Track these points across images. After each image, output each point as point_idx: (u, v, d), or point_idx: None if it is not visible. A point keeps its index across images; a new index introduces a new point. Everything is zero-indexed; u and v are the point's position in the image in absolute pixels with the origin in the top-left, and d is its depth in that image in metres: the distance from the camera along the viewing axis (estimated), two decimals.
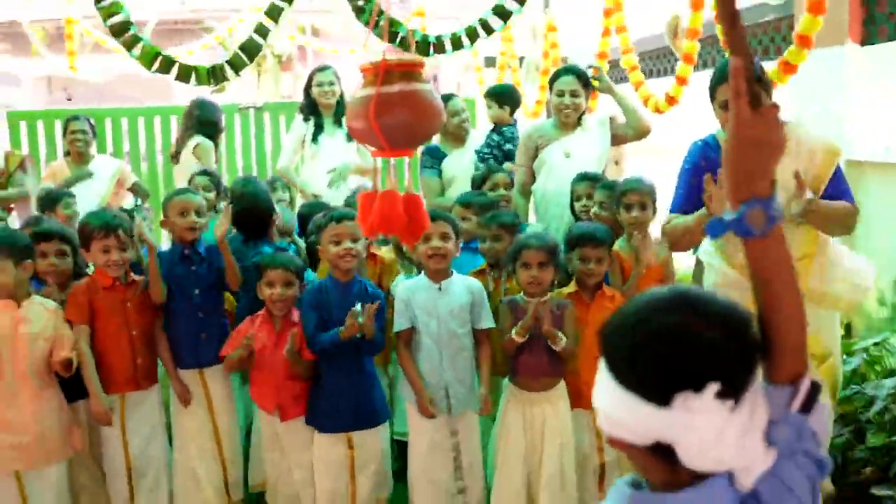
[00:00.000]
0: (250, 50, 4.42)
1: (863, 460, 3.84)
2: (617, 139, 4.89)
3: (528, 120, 7.06)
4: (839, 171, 3.41)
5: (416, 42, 4.28)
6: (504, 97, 5.72)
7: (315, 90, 5.70)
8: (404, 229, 2.58)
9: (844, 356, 4.17)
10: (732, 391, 1.26)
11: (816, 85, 5.01)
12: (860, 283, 3.55)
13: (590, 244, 3.57)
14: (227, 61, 4.45)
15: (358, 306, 3.34)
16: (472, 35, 4.54)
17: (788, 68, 4.44)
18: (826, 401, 2.87)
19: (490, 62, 8.28)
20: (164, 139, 8.00)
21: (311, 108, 5.77)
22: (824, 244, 3.45)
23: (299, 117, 5.91)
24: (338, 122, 5.66)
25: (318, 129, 5.74)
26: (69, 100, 18.26)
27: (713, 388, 1.25)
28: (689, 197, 3.49)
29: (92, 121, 6.25)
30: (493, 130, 5.65)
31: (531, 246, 3.46)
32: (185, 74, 4.35)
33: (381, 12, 3.99)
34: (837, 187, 3.39)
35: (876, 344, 4.33)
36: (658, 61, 7.56)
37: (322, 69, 5.78)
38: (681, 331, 1.29)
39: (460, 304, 3.54)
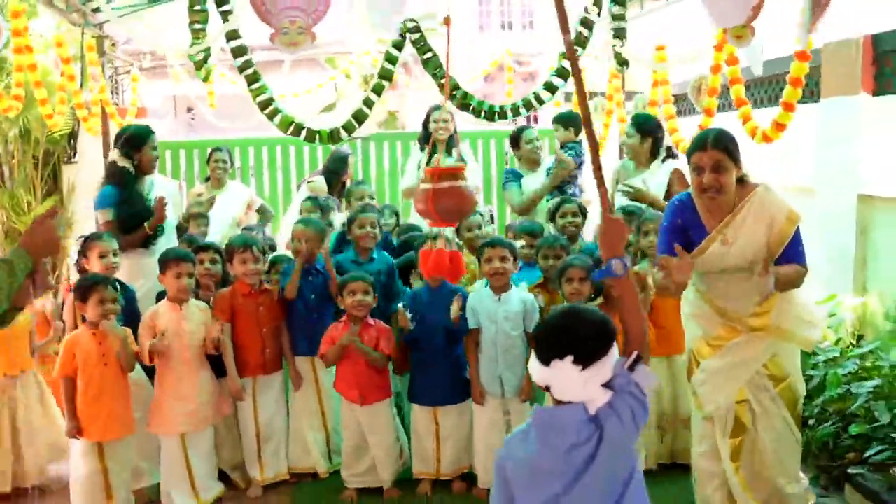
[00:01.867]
0: (360, 118, 5.45)
1: (847, 447, 4.54)
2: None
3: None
4: (797, 233, 3.68)
5: (483, 110, 5.28)
6: (569, 121, 6.65)
7: (432, 125, 6.39)
8: (449, 274, 3.65)
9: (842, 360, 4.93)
10: (582, 360, 2.34)
11: (834, 129, 5.77)
12: (812, 322, 3.86)
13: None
14: (342, 126, 5.49)
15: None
16: (528, 105, 5.56)
17: (788, 107, 5.30)
18: (701, 375, 3.87)
19: (568, 97, 9.17)
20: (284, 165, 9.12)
21: (426, 140, 6.49)
22: (790, 294, 3.76)
23: (415, 146, 6.81)
24: (448, 153, 6.26)
25: (431, 158, 6.36)
26: (193, 119, 19.72)
27: (569, 358, 2.34)
28: (669, 250, 3.68)
29: (230, 150, 7.40)
30: (561, 147, 6.49)
31: (574, 265, 4.35)
32: (310, 136, 5.43)
33: (457, 87, 5.06)
34: (794, 249, 3.68)
35: (871, 351, 5.07)
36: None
37: (438, 108, 6.40)
38: (558, 326, 2.42)
39: (514, 311, 4.43)
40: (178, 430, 4.45)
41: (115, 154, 5.36)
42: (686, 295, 3.98)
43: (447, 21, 3.91)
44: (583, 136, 6.53)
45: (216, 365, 4.66)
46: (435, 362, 4.54)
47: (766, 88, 6.99)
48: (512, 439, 2.55)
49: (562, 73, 5.73)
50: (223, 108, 10.54)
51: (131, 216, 5.21)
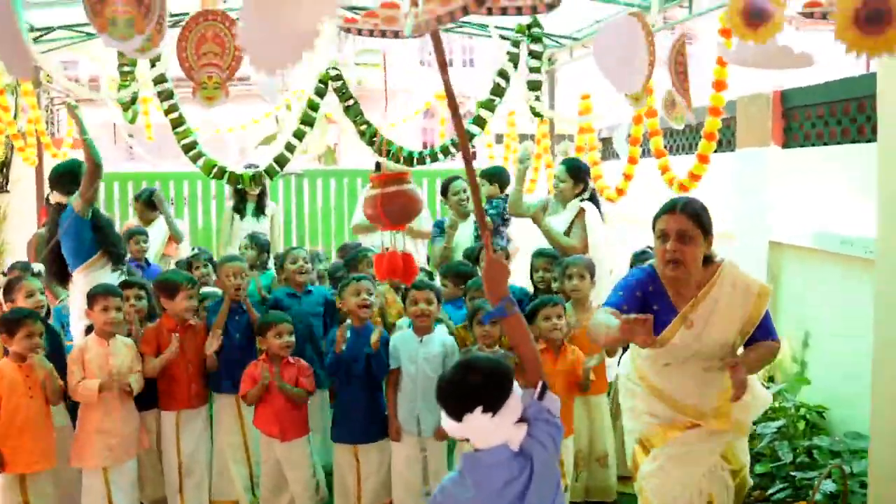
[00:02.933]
0: (281, 162, 5.58)
1: (752, 486, 4.73)
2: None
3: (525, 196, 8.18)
4: (767, 313, 3.49)
5: (402, 156, 5.45)
6: (493, 177, 6.90)
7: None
8: (402, 275, 3.79)
9: None
10: (490, 408, 2.48)
11: (746, 178, 6.05)
12: (766, 402, 3.78)
13: (549, 305, 4.51)
14: (264, 169, 5.60)
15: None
16: (445, 151, 5.76)
17: (702, 159, 5.65)
18: (652, 465, 3.52)
19: (499, 139, 9.40)
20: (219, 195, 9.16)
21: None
22: (751, 385, 3.44)
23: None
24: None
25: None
26: (132, 148, 19.56)
27: (478, 409, 2.47)
28: (620, 308, 3.39)
29: (159, 185, 7.45)
30: (486, 203, 6.70)
31: (484, 308, 4.39)
32: (233, 180, 5.53)
33: (383, 139, 5.25)
34: (766, 326, 3.48)
35: (779, 392, 5.24)
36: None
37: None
38: (459, 382, 2.54)
39: (435, 353, 4.54)
40: (101, 464, 4.47)
41: (53, 195, 5.30)
42: (631, 387, 3.73)
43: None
44: (508, 190, 6.75)
45: (137, 399, 4.68)
46: (356, 401, 4.63)
47: (686, 136, 7.26)
48: (447, 485, 2.65)
49: (478, 122, 5.88)
50: (162, 136, 10.55)
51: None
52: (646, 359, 3.62)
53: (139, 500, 4.77)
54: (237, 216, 7.39)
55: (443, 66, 2.65)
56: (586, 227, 5.77)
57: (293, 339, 4.66)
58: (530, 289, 5.46)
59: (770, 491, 4.61)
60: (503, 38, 6.12)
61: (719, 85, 5.44)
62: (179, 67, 4.16)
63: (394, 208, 3.78)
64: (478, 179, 6.74)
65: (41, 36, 7.70)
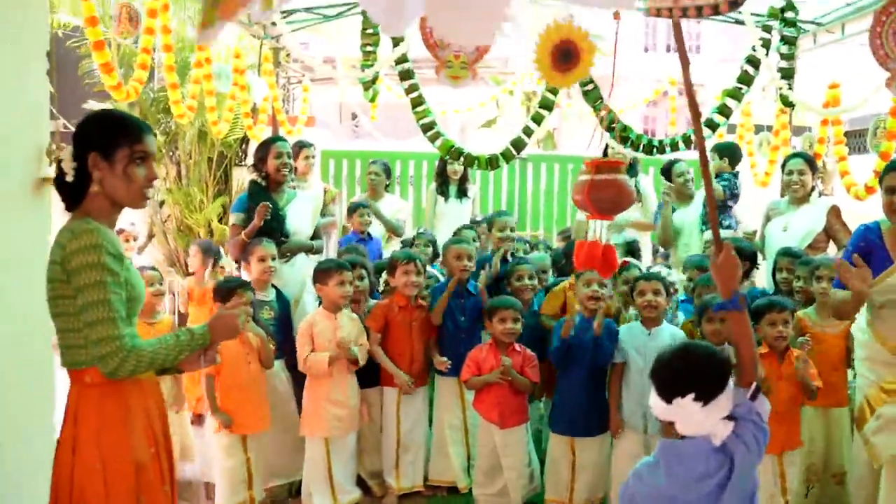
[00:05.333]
0: (519, 146, 5.54)
1: None
2: (828, 234, 5.59)
3: (758, 188, 7.80)
4: None
5: (642, 143, 5.28)
6: (724, 151, 6.65)
7: (610, 153, 6.18)
8: (601, 266, 3.70)
9: None
10: (703, 397, 2.44)
11: None
12: None
13: (776, 310, 4.25)
14: (501, 152, 5.59)
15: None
16: (687, 141, 5.52)
17: None
18: (876, 422, 3.82)
19: (732, 129, 8.99)
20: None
21: None
22: None
23: None
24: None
25: None
26: (357, 127, 20.35)
27: (690, 396, 2.45)
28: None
29: (387, 163, 7.63)
30: (715, 177, 6.49)
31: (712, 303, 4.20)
32: (469, 161, 5.56)
33: (622, 125, 5.09)
34: None
35: None
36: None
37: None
38: (676, 365, 2.53)
39: (665, 346, 4.39)
40: (327, 434, 4.62)
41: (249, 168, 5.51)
42: (861, 339, 4.02)
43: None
44: (745, 169, 6.46)
45: (360, 376, 4.81)
46: (577, 392, 4.52)
47: None
48: (640, 470, 2.64)
49: (723, 111, 5.63)
50: (386, 116, 10.83)
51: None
52: (868, 306, 3.88)
53: (357, 472, 4.89)
54: (441, 198, 7.49)
55: (684, 59, 2.56)
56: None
57: (518, 326, 4.60)
58: (771, 288, 5.18)
59: None
60: (758, 24, 5.77)
61: None
62: (424, 46, 4.16)
63: (602, 197, 3.62)
64: (708, 154, 6.65)
65: (284, 17, 8.04)
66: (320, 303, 4.90)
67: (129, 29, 6.31)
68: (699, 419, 2.47)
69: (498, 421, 4.60)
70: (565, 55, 3.07)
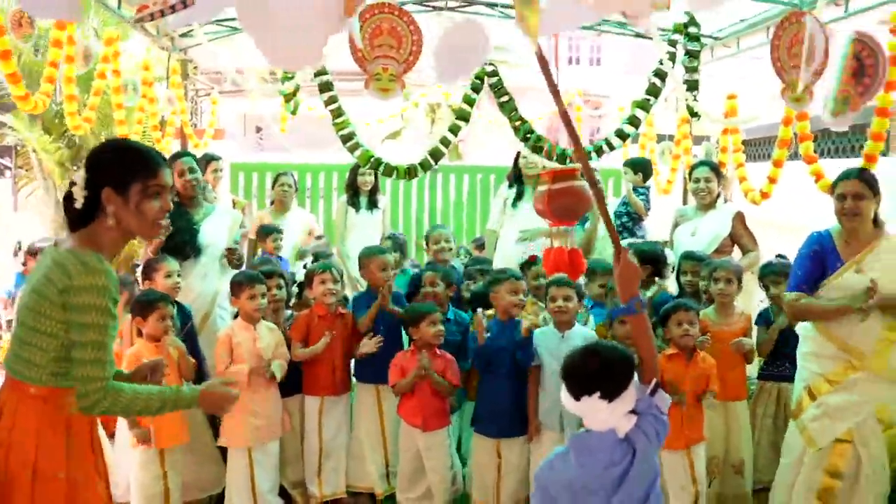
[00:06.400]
0: (436, 155, 5.65)
1: None
2: (733, 238, 5.89)
3: (661, 196, 8.14)
4: None
5: (557, 154, 5.48)
6: (638, 166, 6.92)
7: (521, 162, 6.57)
8: (569, 270, 3.83)
9: None
10: (608, 395, 2.63)
11: None
12: None
13: (682, 311, 4.45)
14: (419, 162, 5.70)
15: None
16: (598, 151, 5.75)
17: (870, 159, 5.48)
18: (816, 410, 4.11)
19: (635, 139, 9.29)
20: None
21: (516, 178, 6.69)
22: None
23: (506, 183, 6.91)
24: None
25: (519, 196, 6.58)
26: (262, 139, 20.19)
27: (597, 394, 2.64)
28: (807, 278, 4.21)
29: (296, 175, 7.62)
30: (633, 191, 6.81)
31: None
32: (388, 171, 5.64)
33: (531, 130, 5.27)
34: None
35: None
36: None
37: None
38: (583, 365, 2.72)
39: (577, 348, 4.56)
40: (247, 444, 4.63)
41: None
42: (806, 334, 4.34)
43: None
44: (651, 182, 6.75)
45: (281, 384, 4.82)
46: (501, 394, 4.62)
47: (833, 139, 7.03)
48: (552, 460, 2.83)
49: (633, 122, 5.89)
50: (294, 129, 10.80)
51: (170, 239, 5.24)
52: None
53: (279, 482, 4.90)
54: (351, 209, 7.52)
55: (552, 85, 2.77)
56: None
57: (443, 328, 4.70)
58: (675, 291, 5.40)
59: None
60: (663, 38, 6.05)
61: (889, 85, 5.22)
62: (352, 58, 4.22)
63: (562, 204, 3.77)
64: (623, 169, 6.91)
65: (190, 31, 8.01)
66: (236, 315, 4.91)
67: (29, 31, 6.13)
68: (605, 415, 2.67)
69: (421, 424, 4.68)
70: None
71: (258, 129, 21.45)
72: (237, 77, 8.53)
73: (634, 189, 6.77)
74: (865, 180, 4.15)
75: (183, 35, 8.06)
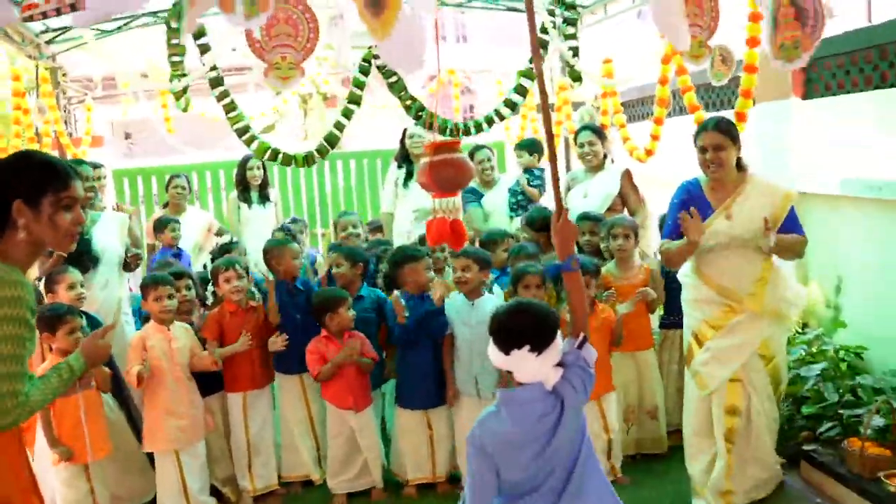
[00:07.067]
0: (332, 141, 5.71)
1: (800, 427, 4.91)
2: (622, 197, 6.16)
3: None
4: (792, 210, 4.29)
5: (448, 128, 5.61)
6: (532, 147, 7.10)
7: (408, 142, 6.83)
8: (451, 240, 3.97)
9: (789, 347, 5.28)
10: (536, 348, 2.75)
11: (769, 131, 6.17)
12: (797, 303, 4.50)
13: (586, 271, 4.62)
14: (316, 149, 5.74)
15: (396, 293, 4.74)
16: (490, 121, 5.92)
17: (740, 117, 5.73)
18: (705, 354, 4.32)
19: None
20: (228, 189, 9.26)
21: (404, 158, 6.92)
22: (775, 273, 4.34)
23: (394, 164, 7.07)
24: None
25: (409, 175, 6.83)
26: (133, 145, 19.70)
27: (526, 347, 2.74)
28: (678, 227, 4.28)
29: (189, 177, 7.58)
30: (525, 172, 7.02)
31: (529, 272, 4.60)
32: (286, 161, 5.67)
33: (422, 108, 5.39)
34: (793, 223, 4.28)
35: (816, 337, 5.44)
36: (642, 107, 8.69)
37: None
38: (513, 320, 2.82)
39: (487, 316, 4.66)
40: (173, 446, 4.62)
41: None
42: (687, 283, 4.50)
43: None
44: (544, 161, 6.96)
45: (200, 383, 4.83)
46: (423, 366, 4.78)
47: (709, 93, 7.36)
48: (485, 419, 2.88)
49: (520, 91, 6.08)
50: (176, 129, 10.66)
51: None
52: (697, 253, 4.32)
53: (209, 481, 4.91)
54: (244, 205, 7.55)
55: (536, 51, 2.85)
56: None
57: (352, 311, 4.81)
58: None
59: (820, 430, 4.78)
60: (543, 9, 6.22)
61: (753, 41, 5.53)
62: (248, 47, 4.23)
63: (444, 176, 3.89)
64: (517, 152, 7.09)
65: (57, 36, 7.79)
66: (145, 320, 4.88)
67: None
68: (534, 367, 2.78)
69: (353, 405, 4.78)
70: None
71: (127, 136, 20.88)
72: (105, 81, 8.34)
73: (529, 170, 6.97)
74: (724, 130, 4.29)
75: (49, 42, 7.83)
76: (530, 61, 6.07)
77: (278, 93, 14.86)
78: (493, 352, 2.85)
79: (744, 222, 4.23)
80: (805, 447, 4.81)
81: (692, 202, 4.33)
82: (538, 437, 2.80)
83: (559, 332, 2.85)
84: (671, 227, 4.43)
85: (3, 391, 2.51)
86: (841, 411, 4.78)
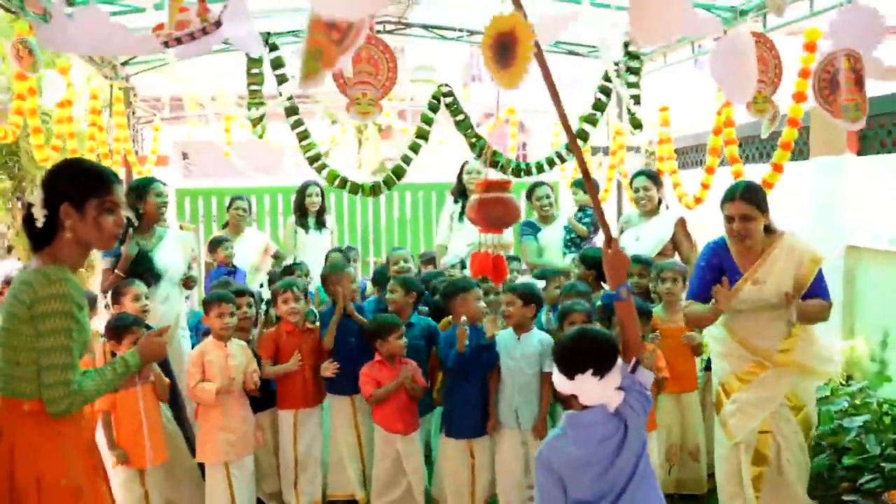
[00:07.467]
0: (399, 173, 5.91)
1: (841, 477, 4.89)
2: (674, 242, 6.25)
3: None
4: (820, 273, 4.28)
5: (511, 167, 5.79)
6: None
7: (465, 177, 6.95)
8: (492, 274, 4.12)
9: (833, 398, 5.33)
10: (599, 372, 2.89)
11: (823, 186, 6.25)
12: (830, 358, 4.48)
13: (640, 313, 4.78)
14: (382, 180, 5.94)
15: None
16: (551, 163, 6.09)
17: (777, 168, 5.83)
18: (732, 406, 4.39)
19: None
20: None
21: (460, 192, 7.07)
22: (806, 331, 4.34)
23: (450, 198, 7.24)
24: None
25: (464, 210, 6.75)
26: (191, 165, 20.13)
27: (589, 371, 2.89)
28: (704, 288, 4.36)
29: (250, 199, 7.81)
30: (579, 210, 7.11)
31: (575, 310, 4.70)
32: (354, 189, 5.88)
33: (491, 150, 5.57)
34: (819, 286, 4.27)
35: (860, 389, 5.49)
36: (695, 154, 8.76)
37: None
38: (577, 346, 2.97)
39: (531, 351, 4.79)
40: (223, 459, 4.77)
41: None
42: (716, 336, 4.56)
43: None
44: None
45: (253, 401, 4.99)
46: (471, 396, 4.87)
47: (758, 145, 7.45)
48: (551, 442, 3.06)
49: (582, 136, 6.25)
50: (238, 155, 10.93)
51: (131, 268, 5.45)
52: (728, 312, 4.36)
53: (256, 494, 5.05)
54: (300, 230, 7.74)
55: (552, 89, 2.93)
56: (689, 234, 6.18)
57: (404, 339, 4.96)
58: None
59: (861, 481, 4.78)
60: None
61: (800, 96, 5.61)
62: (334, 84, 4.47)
63: (492, 214, 4.05)
64: (572, 189, 7.22)
65: (133, 57, 8.11)
66: (200, 337, 5.06)
67: (30, 61, 5.90)
68: (597, 391, 2.93)
69: (403, 429, 4.91)
70: (503, 49, 2.74)
71: (185, 156, 21.33)
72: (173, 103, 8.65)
73: (583, 208, 7.08)
74: (750, 200, 4.23)
75: (124, 63, 8.16)
76: (593, 107, 6.22)
77: (334, 122, 15.28)
78: (557, 377, 3.00)
79: (772, 286, 4.26)
80: (845, 497, 4.79)
81: (719, 264, 4.40)
82: (600, 459, 2.95)
83: (619, 358, 2.99)
84: (696, 288, 4.49)
85: (55, 380, 2.76)
86: (883, 464, 4.79)
